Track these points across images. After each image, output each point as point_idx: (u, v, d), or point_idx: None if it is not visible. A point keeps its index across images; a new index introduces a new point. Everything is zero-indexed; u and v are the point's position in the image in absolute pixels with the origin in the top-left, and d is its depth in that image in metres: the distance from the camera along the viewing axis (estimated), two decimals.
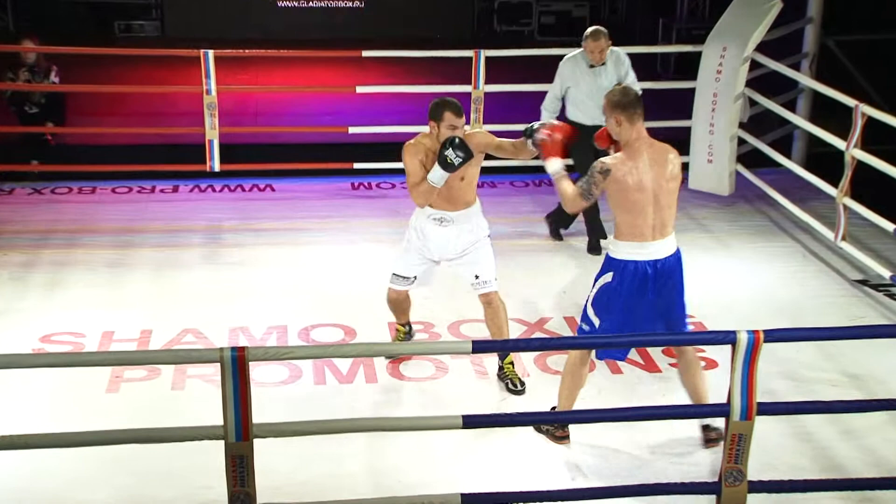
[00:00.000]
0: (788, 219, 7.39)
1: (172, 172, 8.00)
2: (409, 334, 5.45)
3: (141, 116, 9.30)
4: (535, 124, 4.70)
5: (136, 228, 7.17)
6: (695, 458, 4.47)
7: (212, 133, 7.65)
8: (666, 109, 8.15)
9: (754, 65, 7.74)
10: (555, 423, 4.55)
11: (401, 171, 7.98)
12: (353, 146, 8.34)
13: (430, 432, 4.05)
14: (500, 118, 7.98)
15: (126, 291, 6.17)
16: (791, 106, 8.13)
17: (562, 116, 6.68)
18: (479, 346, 3.84)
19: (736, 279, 6.50)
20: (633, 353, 5.40)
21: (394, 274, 5.18)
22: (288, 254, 6.81)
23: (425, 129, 7.93)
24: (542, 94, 8.47)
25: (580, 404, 4.51)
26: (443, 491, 3.73)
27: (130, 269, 6.50)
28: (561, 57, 6.85)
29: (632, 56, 6.77)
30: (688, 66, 8.61)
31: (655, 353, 5.44)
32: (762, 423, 3.77)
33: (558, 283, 6.33)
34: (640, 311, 4.32)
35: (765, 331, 3.55)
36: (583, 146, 5.78)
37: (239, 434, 3.38)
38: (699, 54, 7.82)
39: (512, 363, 5.09)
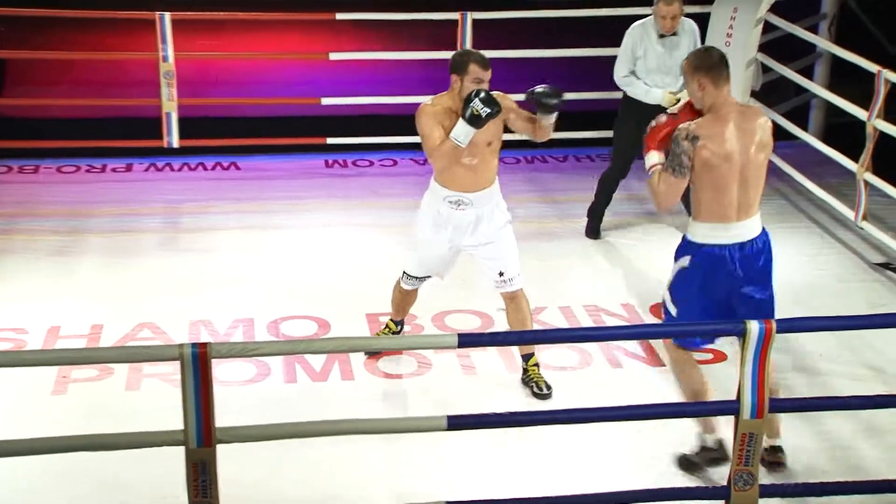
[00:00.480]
0: (804, 196, 7.42)
1: (125, 149, 7.96)
2: (396, 333, 5.38)
3: (90, 86, 9.23)
4: (542, 88, 4.67)
5: (85, 212, 7.15)
6: (704, 460, 4.51)
7: (169, 105, 7.62)
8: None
9: (767, 27, 7.75)
10: (700, 450, 4.39)
11: (380, 147, 8.20)
12: (326, 119, 8.32)
13: (411, 434, 4.07)
14: (490, 88, 7.96)
15: (73, 282, 6.16)
16: (808, 72, 8.15)
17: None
18: (466, 340, 3.85)
19: None
20: (635, 346, 5.44)
21: (406, 274, 5.12)
22: (255, 239, 6.80)
23: (408, 99, 8.04)
24: (536, 62, 8.50)
25: (575, 401, 4.53)
26: (426, 498, 3.75)
27: (78, 257, 6.48)
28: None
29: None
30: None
31: (659, 346, 5.46)
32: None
33: (553, 271, 6.35)
34: (722, 300, 4.23)
35: (777, 320, 3.58)
36: (641, 126, 5.70)
37: (200, 439, 3.39)
38: (707, 16, 7.83)
39: (537, 364, 5.04)
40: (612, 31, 8.85)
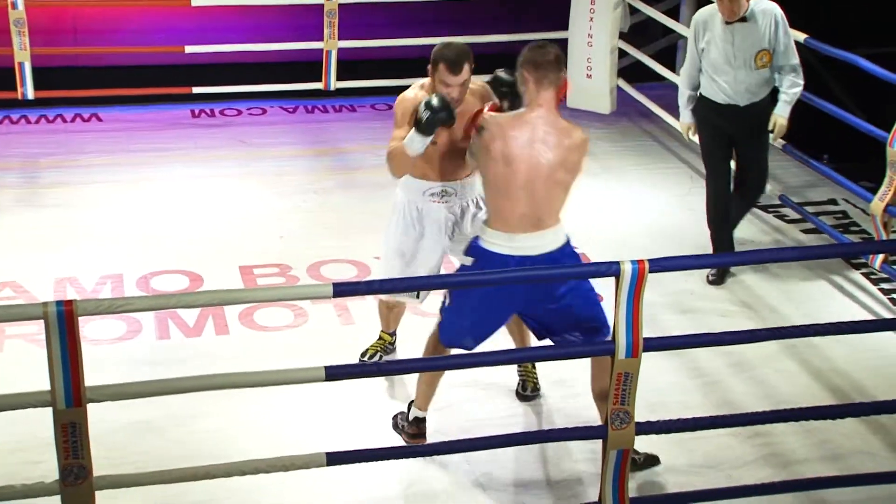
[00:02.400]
0: (674, 137, 7.57)
1: None
2: (393, 345, 4.90)
3: None
4: (502, 71, 4.22)
5: None
6: (581, 401, 4.59)
7: (22, 55, 7.32)
8: (539, 20, 8.20)
9: None
10: (408, 420, 4.28)
11: (248, 96, 8.05)
12: (191, 68, 8.13)
13: (289, 387, 4.03)
14: (358, 33, 7.89)
15: None
16: (674, 13, 8.27)
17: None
18: (341, 289, 3.81)
19: (620, 205, 6.65)
20: None
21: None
22: (120, 192, 6.63)
23: (275, 46, 7.90)
24: (407, 6, 8.41)
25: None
26: (306, 450, 3.73)
27: None
28: None
29: None
30: None
31: None
32: (649, 360, 3.88)
33: None
34: (499, 309, 4.01)
35: (649, 260, 3.63)
36: (719, 130, 5.52)
37: (69, 399, 3.29)
38: None
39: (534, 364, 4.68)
40: None
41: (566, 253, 4.07)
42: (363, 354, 4.85)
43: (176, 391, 3.61)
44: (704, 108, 5.56)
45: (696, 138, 5.77)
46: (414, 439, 4.27)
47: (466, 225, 4.47)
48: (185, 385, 3.62)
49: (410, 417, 4.29)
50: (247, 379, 3.68)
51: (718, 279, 5.62)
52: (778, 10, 5.38)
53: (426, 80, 4.34)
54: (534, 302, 4.01)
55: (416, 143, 4.11)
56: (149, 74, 8.00)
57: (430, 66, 4.23)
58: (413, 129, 4.10)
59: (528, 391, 4.65)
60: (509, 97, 4.20)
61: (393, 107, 4.40)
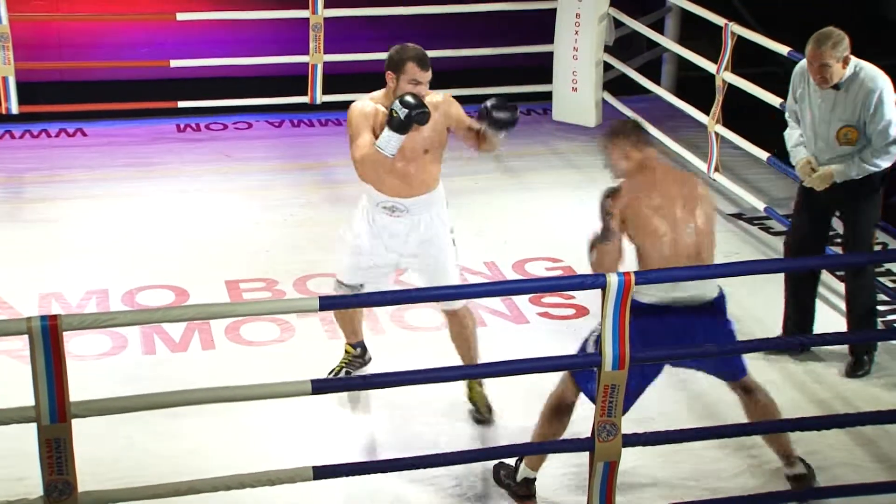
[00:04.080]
0: (658, 150, 7.55)
1: None
2: (360, 358, 4.86)
3: None
4: (492, 102, 4.26)
5: None
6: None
7: (6, 69, 7.31)
8: (525, 34, 8.25)
9: None
10: (516, 480, 4.13)
11: (233, 110, 8.04)
12: (176, 82, 8.13)
13: (276, 401, 4.03)
14: (344, 48, 7.90)
15: None
16: (658, 27, 8.33)
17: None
18: (328, 303, 3.82)
19: None
20: (499, 304, 5.50)
21: (337, 281, 4.60)
22: (105, 207, 6.62)
23: (261, 59, 7.91)
24: (394, 20, 8.42)
25: (440, 360, 4.56)
26: (293, 464, 3.73)
27: None
28: None
29: None
30: None
31: (523, 302, 5.54)
32: None
33: None
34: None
35: (635, 272, 3.65)
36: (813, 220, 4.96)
37: (54, 415, 3.29)
38: None
39: (481, 383, 4.63)
40: None
41: (722, 301, 4.04)
42: (330, 372, 4.79)
43: (162, 406, 3.61)
44: (805, 190, 4.95)
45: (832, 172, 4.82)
46: (522, 501, 4.12)
47: (414, 238, 4.41)
48: (170, 400, 3.62)
49: (519, 478, 4.13)
50: (233, 393, 3.68)
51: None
52: (881, 79, 4.66)
53: (375, 93, 4.37)
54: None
55: (392, 141, 4.13)
56: (134, 89, 8.00)
57: (390, 71, 4.26)
58: (387, 128, 4.12)
59: (484, 415, 4.56)
60: (509, 123, 4.28)
61: (350, 118, 4.38)
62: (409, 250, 4.46)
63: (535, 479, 4.15)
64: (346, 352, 4.87)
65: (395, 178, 4.33)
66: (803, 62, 4.77)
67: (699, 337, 3.96)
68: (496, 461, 4.23)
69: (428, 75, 4.23)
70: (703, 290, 3.99)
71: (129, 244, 6.13)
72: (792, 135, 4.93)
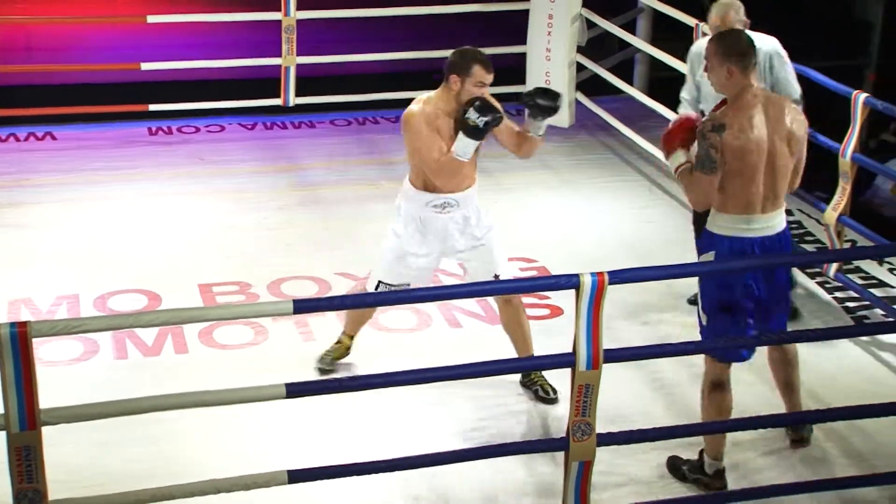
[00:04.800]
0: (632, 150, 7.62)
1: None
2: (348, 350, 4.96)
3: None
4: (535, 88, 4.40)
5: None
6: (542, 413, 4.61)
7: None
8: (497, 35, 8.24)
9: None
10: (707, 474, 4.21)
11: (206, 113, 8.00)
12: (147, 85, 8.08)
13: (250, 405, 4.01)
14: (317, 50, 7.89)
15: None
16: (631, 27, 8.35)
17: None
18: (302, 306, 3.80)
19: (580, 218, 6.69)
20: (474, 305, 5.50)
21: (382, 283, 4.64)
22: (76, 212, 6.57)
23: (233, 62, 7.87)
24: (367, 22, 8.43)
25: (415, 362, 4.56)
26: (268, 468, 3.72)
27: None
28: None
29: None
30: None
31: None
32: (611, 372, 3.90)
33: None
34: (740, 297, 4.05)
35: (609, 272, 3.66)
36: None
37: (23, 422, 3.26)
38: None
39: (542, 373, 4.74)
40: None
41: (788, 234, 4.16)
42: (321, 360, 4.90)
43: (134, 412, 3.58)
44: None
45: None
46: (703, 488, 4.22)
47: (469, 232, 4.56)
48: (143, 405, 3.59)
49: (711, 471, 4.21)
50: (207, 398, 3.66)
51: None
52: (776, 45, 5.08)
53: (429, 94, 4.45)
54: (767, 288, 4.08)
55: (469, 148, 4.32)
56: (104, 92, 7.94)
57: (454, 75, 4.34)
58: (463, 135, 4.27)
59: (550, 394, 4.67)
60: (552, 109, 4.39)
61: (405, 125, 4.43)
62: (462, 244, 4.57)
63: (724, 469, 4.22)
64: (341, 342, 4.93)
65: (457, 176, 4.45)
66: (698, 43, 5.27)
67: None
68: (671, 456, 4.32)
69: (491, 77, 4.35)
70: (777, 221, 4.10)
71: (101, 248, 6.09)
72: (686, 95, 5.34)
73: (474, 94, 4.31)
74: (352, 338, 4.96)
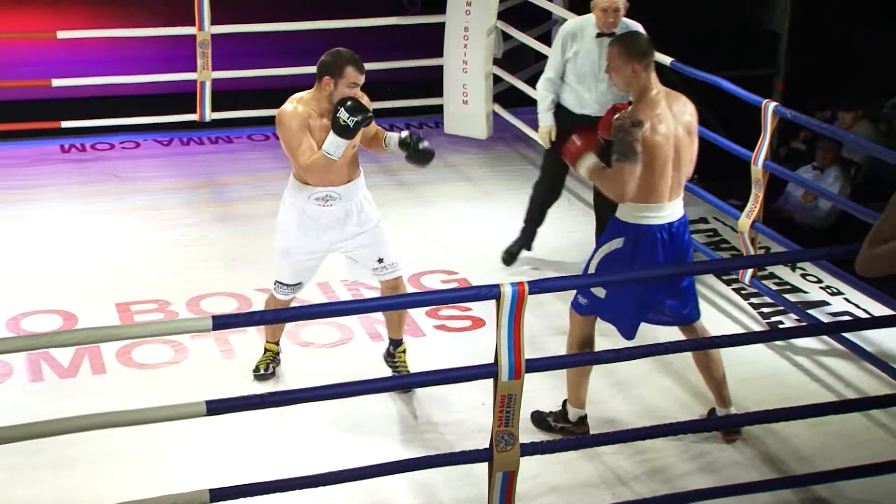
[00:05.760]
0: None
1: None
2: (277, 356, 5.00)
3: None
4: (418, 136, 4.66)
5: None
6: (467, 424, 4.62)
7: None
8: (413, 48, 8.28)
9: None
10: (570, 421, 4.52)
11: (120, 129, 7.89)
12: (59, 102, 7.94)
13: (170, 424, 3.96)
14: (232, 64, 7.84)
15: None
16: (546, 38, 8.42)
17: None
18: (220, 322, 3.77)
19: (500, 229, 6.71)
20: None
21: (277, 282, 4.76)
22: None
23: (147, 77, 7.78)
24: (282, 36, 8.39)
25: (337, 376, 4.54)
26: (189, 487, 3.67)
27: None
28: None
29: None
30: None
31: (419, 315, 5.55)
32: (533, 382, 3.94)
33: None
34: (651, 281, 4.32)
35: (529, 282, 3.68)
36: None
37: None
38: None
39: (405, 352, 4.94)
40: (355, 2, 8.91)
41: (686, 219, 4.41)
42: (255, 370, 4.94)
43: (50, 434, 3.51)
44: (562, 117, 5.77)
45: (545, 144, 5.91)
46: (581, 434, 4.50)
47: (353, 221, 4.64)
48: (59, 427, 3.52)
49: (574, 419, 4.51)
50: (125, 418, 3.60)
51: (510, 259, 6.09)
52: (639, 26, 5.51)
53: (302, 95, 4.53)
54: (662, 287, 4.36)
55: (340, 147, 4.40)
56: (15, 109, 7.79)
57: (327, 76, 4.43)
58: (334, 134, 4.38)
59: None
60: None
61: (279, 124, 4.51)
62: (345, 233, 4.66)
63: (586, 415, 4.52)
64: (268, 350, 4.98)
65: (332, 168, 4.52)
66: (568, 25, 5.67)
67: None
68: (534, 412, 4.56)
69: (363, 78, 4.46)
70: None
71: (13, 268, 5.97)
72: (544, 97, 5.79)
73: (346, 95, 4.42)
74: (277, 343, 5.00)
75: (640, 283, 4.30)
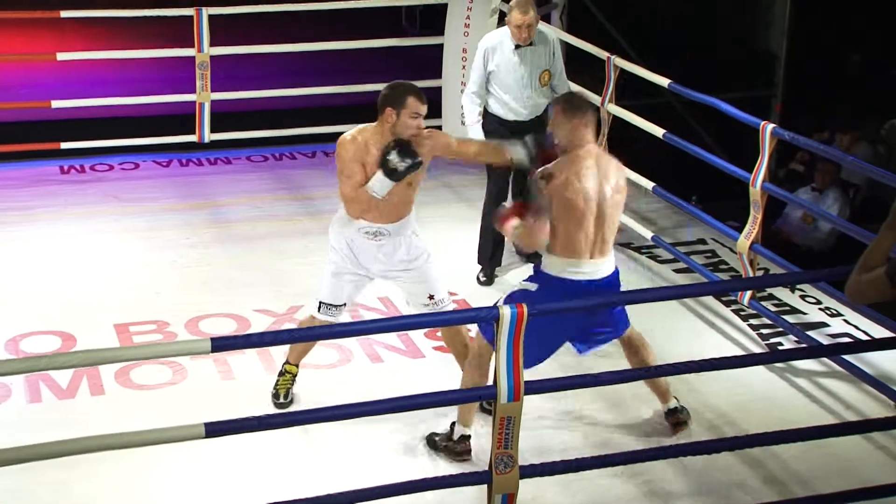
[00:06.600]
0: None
1: None
2: (294, 378, 4.96)
3: None
4: (530, 139, 4.60)
5: None
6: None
7: None
8: (412, 69, 8.30)
9: (503, 16, 7.99)
10: (452, 438, 4.51)
11: (119, 150, 7.91)
12: (58, 123, 7.97)
13: (168, 446, 3.96)
14: (231, 85, 7.87)
15: None
16: None
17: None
18: (219, 344, 3.77)
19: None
20: (395, 340, 5.50)
21: (321, 303, 4.73)
22: None
23: (146, 99, 7.80)
24: (281, 58, 8.43)
25: (337, 398, 4.54)
26: None
27: None
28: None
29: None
30: (435, 20, 8.80)
31: (418, 336, 5.55)
32: (532, 404, 3.94)
33: (308, 268, 6.32)
34: (558, 328, 4.33)
35: (529, 307, 3.69)
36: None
37: None
38: (445, 7, 8.01)
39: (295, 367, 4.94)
40: (354, 24, 8.95)
41: (617, 277, 4.43)
42: (275, 396, 4.91)
43: (49, 456, 3.51)
44: (493, 124, 6.00)
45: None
46: (461, 456, 4.47)
47: (400, 255, 4.63)
48: (58, 449, 3.52)
49: (457, 437, 4.49)
50: (124, 440, 3.60)
51: (489, 280, 6.21)
52: (554, 35, 6.13)
53: (365, 127, 4.50)
54: (586, 331, 4.40)
55: (385, 186, 4.38)
56: (14, 131, 7.80)
57: (389, 108, 4.39)
58: (381, 173, 4.35)
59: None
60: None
61: (336, 150, 4.50)
62: (392, 265, 4.65)
63: (470, 435, 4.48)
64: (289, 372, 4.93)
65: (378, 211, 4.51)
66: (486, 40, 6.00)
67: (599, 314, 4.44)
68: (429, 434, 4.59)
69: (425, 108, 4.43)
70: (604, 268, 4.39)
71: (12, 290, 5.97)
72: (472, 111, 5.99)
73: (410, 126, 4.38)
74: (296, 366, 4.96)
75: (543, 330, 4.16)
